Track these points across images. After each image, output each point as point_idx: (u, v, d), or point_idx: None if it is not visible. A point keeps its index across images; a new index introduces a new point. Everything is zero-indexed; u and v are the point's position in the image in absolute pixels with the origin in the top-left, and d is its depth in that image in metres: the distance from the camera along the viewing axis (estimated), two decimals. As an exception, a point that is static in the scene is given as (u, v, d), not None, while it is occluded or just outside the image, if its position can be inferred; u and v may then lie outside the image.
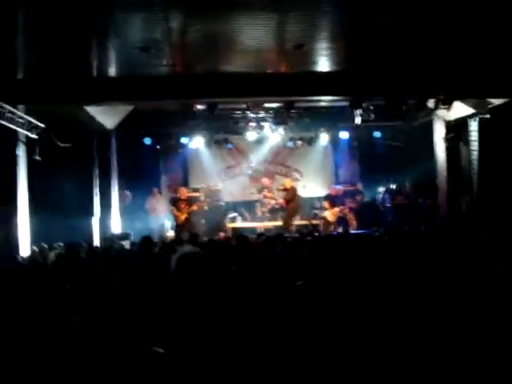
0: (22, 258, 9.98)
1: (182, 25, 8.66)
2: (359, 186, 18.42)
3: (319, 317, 4.79)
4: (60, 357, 3.94)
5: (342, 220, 16.39)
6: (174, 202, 15.88)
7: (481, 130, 14.55)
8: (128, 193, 16.62)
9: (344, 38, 9.89)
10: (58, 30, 8.47)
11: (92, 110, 13.07)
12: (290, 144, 18.22)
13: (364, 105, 13.83)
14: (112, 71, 11.24)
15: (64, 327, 4.30)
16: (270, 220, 16.75)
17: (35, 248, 10.62)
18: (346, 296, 5.16)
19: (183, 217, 15.52)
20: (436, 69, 11.73)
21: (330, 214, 16.41)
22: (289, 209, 15.99)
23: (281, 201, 16.27)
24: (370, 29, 9.27)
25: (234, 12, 8.20)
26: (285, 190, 16.15)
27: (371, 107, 14.55)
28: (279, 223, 16.21)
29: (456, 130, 15.44)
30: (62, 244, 10.18)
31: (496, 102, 13.32)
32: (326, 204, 16.61)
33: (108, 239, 13.48)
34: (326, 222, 16.48)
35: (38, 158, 11.50)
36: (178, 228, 15.57)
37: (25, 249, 10.87)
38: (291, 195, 15.96)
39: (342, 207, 16.38)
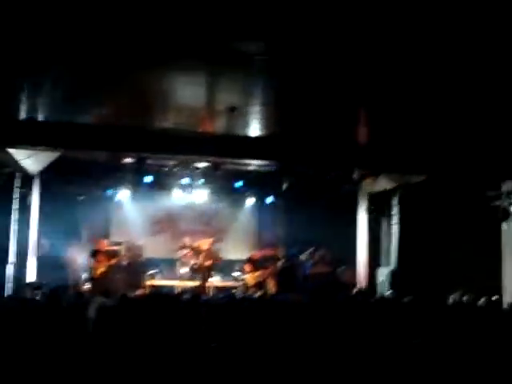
0: None
1: (111, 77, 8.64)
2: (281, 251, 18.47)
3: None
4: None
5: (261, 284, 16.35)
6: (93, 254, 15.55)
7: (401, 204, 14.97)
8: (46, 241, 16.17)
9: (274, 105, 10.08)
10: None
11: (16, 153, 12.79)
12: (216, 205, 18.24)
13: (290, 171, 14.04)
14: (39, 116, 11.07)
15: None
16: (189, 279, 16.56)
17: None
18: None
19: (101, 270, 15.19)
20: (362, 142, 12.09)
21: (250, 278, 16.38)
22: (204, 270, 15.88)
23: (198, 261, 16.15)
24: (299, 97, 9.50)
25: (165, 70, 8.28)
26: (202, 250, 16.07)
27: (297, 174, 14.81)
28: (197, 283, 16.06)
29: (378, 202, 15.83)
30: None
31: (416, 178, 13.79)
32: (246, 267, 16.59)
33: (20, 288, 13.01)
34: (246, 286, 16.45)
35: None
36: (95, 281, 15.20)
37: None
38: (208, 256, 15.90)
39: (262, 271, 16.39)
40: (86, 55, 7.61)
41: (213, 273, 16.67)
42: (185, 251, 16.71)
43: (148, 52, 7.40)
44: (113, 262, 15.49)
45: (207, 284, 16.29)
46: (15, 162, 13.17)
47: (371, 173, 13.50)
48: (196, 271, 16.45)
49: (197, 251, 16.29)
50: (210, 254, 16.10)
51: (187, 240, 17.06)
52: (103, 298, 10.09)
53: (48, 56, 7.73)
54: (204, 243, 16.29)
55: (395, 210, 15.29)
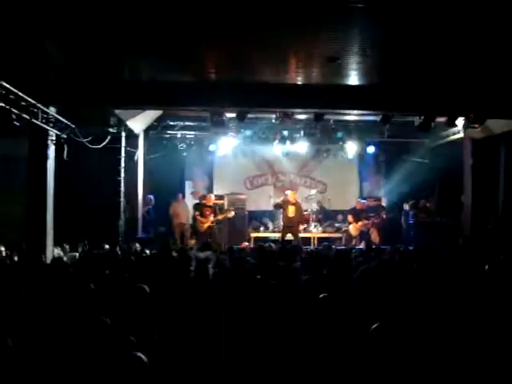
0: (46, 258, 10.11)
1: (211, 33, 8.65)
2: (383, 201, 18.36)
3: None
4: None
5: (364, 234, 16.31)
6: (200, 208, 15.86)
7: (508, 150, 14.46)
8: (151, 197, 16.66)
9: (374, 54, 9.85)
10: (91, 33, 8.54)
11: (121, 114, 13.16)
12: (317, 156, 18.24)
13: (392, 120, 13.74)
14: (143, 76, 11.33)
15: (93, 326, 4.36)
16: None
17: (58, 249, 10.76)
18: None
19: (207, 224, 15.50)
20: (468, 86, 11.67)
21: (353, 228, 16.35)
22: (295, 221, 15.66)
23: (289, 214, 15.59)
24: (399, 45, 9.25)
25: (264, 21, 8.17)
26: (291, 203, 15.72)
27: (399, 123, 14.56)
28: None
29: (484, 148, 15.31)
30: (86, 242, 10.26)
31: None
32: (350, 218, 16.53)
33: (130, 243, 13.46)
34: (349, 236, 16.45)
35: (66, 158, 11.42)
36: (200, 234, 15.56)
37: (50, 249, 10.91)
38: (296, 209, 15.62)
39: (365, 222, 16.29)
40: (185, 13, 7.67)
41: (303, 226, 16.58)
42: (282, 203, 16.52)
43: (247, 3, 7.35)
44: (219, 217, 15.72)
45: (311, 235, 16.46)
46: (121, 122, 13.56)
47: (477, 118, 12.98)
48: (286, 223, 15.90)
49: (289, 204, 15.94)
50: (298, 206, 15.75)
51: (288, 192, 17.08)
52: (205, 252, 10.42)
53: (152, 17, 7.85)
54: (291, 195, 15.83)
55: (501, 157, 14.76)
